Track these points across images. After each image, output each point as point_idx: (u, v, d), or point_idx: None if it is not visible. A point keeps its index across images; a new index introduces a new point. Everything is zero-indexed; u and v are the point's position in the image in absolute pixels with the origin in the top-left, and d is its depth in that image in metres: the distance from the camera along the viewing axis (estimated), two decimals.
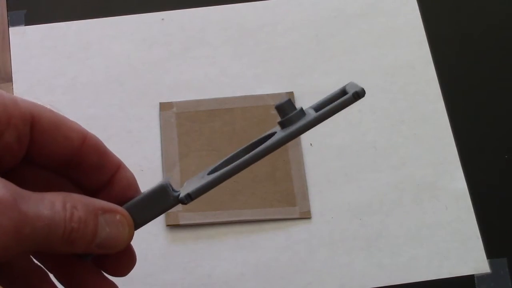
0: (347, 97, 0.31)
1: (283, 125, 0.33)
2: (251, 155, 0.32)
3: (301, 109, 0.32)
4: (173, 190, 0.33)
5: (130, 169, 0.35)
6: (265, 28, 0.64)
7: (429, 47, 0.63)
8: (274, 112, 0.34)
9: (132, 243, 0.54)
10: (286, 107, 0.32)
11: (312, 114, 0.32)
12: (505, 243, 0.54)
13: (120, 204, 0.32)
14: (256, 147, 0.33)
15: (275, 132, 0.33)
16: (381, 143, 0.58)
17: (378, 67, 0.62)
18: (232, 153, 0.34)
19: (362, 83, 0.61)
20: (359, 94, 0.31)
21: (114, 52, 0.63)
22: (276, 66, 0.62)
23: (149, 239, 0.54)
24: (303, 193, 0.55)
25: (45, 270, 0.34)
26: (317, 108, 0.33)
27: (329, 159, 0.57)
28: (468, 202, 0.55)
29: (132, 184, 0.33)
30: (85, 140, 0.31)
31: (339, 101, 0.32)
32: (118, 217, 0.31)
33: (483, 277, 0.52)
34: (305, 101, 0.61)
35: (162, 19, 0.65)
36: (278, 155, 0.57)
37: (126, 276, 0.53)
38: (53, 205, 0.28)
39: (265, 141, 0.33)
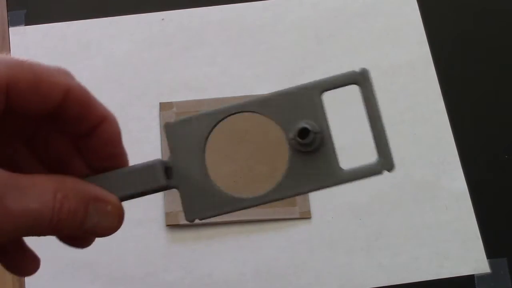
0: (377, 170, 0.32)
1: (301, 152, 0.32)
2: (272, 196, 0.32)
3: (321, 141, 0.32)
4: (167, 168, 0.33)
5: None
6: (265, 28, 0.64)
7: (429, 47, 0.63)
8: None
9: (132, 243, 0.54)
10: (309, 143, 0.32)
11: (338, 170, 0.32)
12: (505, 243, 0.54)
13: (104, 158, 0.32)
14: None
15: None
16: None
17: (378, 67, 0.62)
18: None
19: None
20: (389, 171, 0.32)
21: (114, 52, 0.63)
22: (276, 66, 0.62)
23: (149, 239, 0.54)
24: None
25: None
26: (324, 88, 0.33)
27: None
28: (468, 202, 0.55)
29: (113, 140, 0.32)
30: (67, 94, 0.30)
31: (368, 171, 0.32)
32: (109, 208, 0.30)
33: (483, 277, 0.52)
34: None
35: (162, 19, 0.65)
36: (278, 155, 0.57)
37: (126, 275, 0.53)
38: (42, 196, 0.28)
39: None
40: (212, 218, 0.33)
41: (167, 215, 0.54)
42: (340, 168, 0.32)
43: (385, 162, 0.32)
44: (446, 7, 0.66)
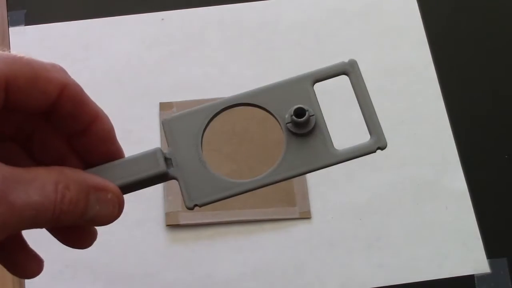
0: (370, 148, 0.33)
1: (293, 134, 0.33)
2: (266, 179, 0.33)
3: (315, 126, 0.33)
4: (166, 159, 0.33)
5: None
6: (265, 28, 0.64)
7: (429, 47, 0.63)
8: None
9: (132, 243, 0.54)
10: (305, 123, 0.33)
11: (330, 150, 0.33)
12: (505, 243, 0.54)
13: (99, 156, 0.32)
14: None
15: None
16: None
17: (378, 67, 0.62)
18: None
19: None
20: (382, 148, 0.33)
21: (114, 52, 0.63)
22: (276, 66, 0.62)
23: (149, 239, 0.54)
24: (303, 193, 0.55)
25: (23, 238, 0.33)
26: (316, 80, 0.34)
27: None
28: (468, 202, 0.55)
29: (107, 137, 0.33)
30: (63, 91, 0.31)
31: (362, 149, 0.33)
32: (109, 195, 0.31)
33: (483, 277, 0.52)
34: None
35: (162, 19, 0.65)
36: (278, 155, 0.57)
37: (127, 276, 0.53)
38: (44, 188, 0.28)
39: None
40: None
41: (167, 215, 0.54)
42: (335, 149, 0.33)
43: (378, 140, 0.33)
44: (446, 7, 0.66)
